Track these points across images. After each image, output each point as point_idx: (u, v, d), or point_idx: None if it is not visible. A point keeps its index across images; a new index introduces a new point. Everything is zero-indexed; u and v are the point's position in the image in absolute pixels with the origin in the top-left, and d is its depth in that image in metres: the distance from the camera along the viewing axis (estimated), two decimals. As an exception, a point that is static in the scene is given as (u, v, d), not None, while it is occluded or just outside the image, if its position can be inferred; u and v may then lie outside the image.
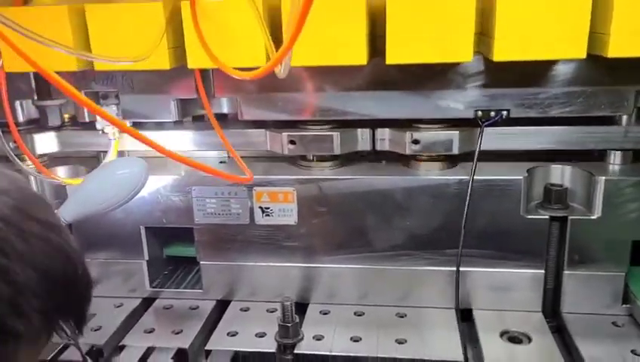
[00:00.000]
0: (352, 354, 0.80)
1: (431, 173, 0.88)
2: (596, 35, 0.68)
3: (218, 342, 0.84)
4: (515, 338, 0.83)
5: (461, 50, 0.69)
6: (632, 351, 0.77)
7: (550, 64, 0.81)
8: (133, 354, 0.82)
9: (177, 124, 0.95)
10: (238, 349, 0.82)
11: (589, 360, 0.76)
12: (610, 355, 0.77)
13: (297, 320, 0.83)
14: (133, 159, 0.80)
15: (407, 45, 0.70)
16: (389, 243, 0.90)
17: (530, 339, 0.82)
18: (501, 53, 0.69)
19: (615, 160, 0.87)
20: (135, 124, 0.94)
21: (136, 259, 0.96)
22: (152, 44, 0.72)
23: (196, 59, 0.74)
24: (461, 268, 0.87)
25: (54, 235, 0.45)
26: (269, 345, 0.83)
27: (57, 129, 0.96)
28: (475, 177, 0.84)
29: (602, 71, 0.79)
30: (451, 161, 0.90)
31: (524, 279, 0.88)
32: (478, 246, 0.87)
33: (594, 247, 0.84)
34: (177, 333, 0.87)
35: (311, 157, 0.93)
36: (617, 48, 0.66)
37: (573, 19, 0.66)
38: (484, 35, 0.74)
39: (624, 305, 0.86)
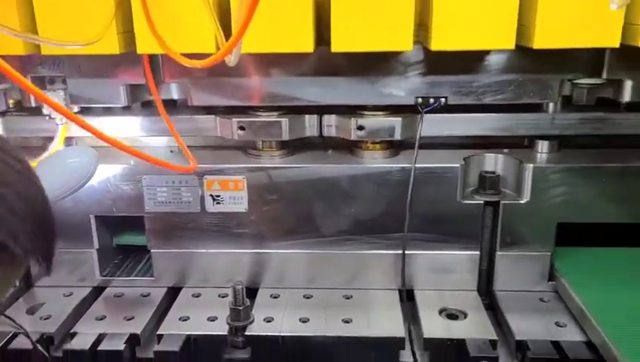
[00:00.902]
0: (300, 334, 0.84)
1: (375, 161, 0.93)
2: (524, 27, 0.74)
3: (170, 326, 0.86)
4: (452, 315, 0.89)
5: (402, 40, 0.74)
6: (556, 323, 0.85)
7: (484, 54, 0.87)
8: (84, 340, 0.82)
9: (127, 110, 0.96)
10: (189, 333, 0.84)
11: (517, 332, 0.83)
12: (536, 327, 0.84)
13: (248, 303, 0.86)
14: (84, 148, 0.81)
15: (351, 34, 0.74)
16: (336, 228, 0.94)
17: (465, 315, 0.88)
18: (438, 43, 0.74)
19: (543, 148, 0.95)
20: (83, 110, 0.94)
21: (86, 249, 0.96)
22: (101, 28, 0.72)
23: (145, 45, 0.75)
24: (398, 251, 0.92)
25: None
26: (220, 328, 0.85)
27: (2, 114, 0.95)
28: (416, 165, 0.89)
29: (530, 61, 0.86)
30: (394, 149, 0.95)
31: (461, 261, 0.94)
32: (419, 230, 0.93)
33: (523, 230, 0.91)
34: (129, 320, 0.88)
35: (260, 146, 0.96)
36: (542, 40, 0.73)
37: (503, 12, 0.72)
38: (423, 26, 0.79)
39: (550, 282, 0.93)
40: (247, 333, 0.84)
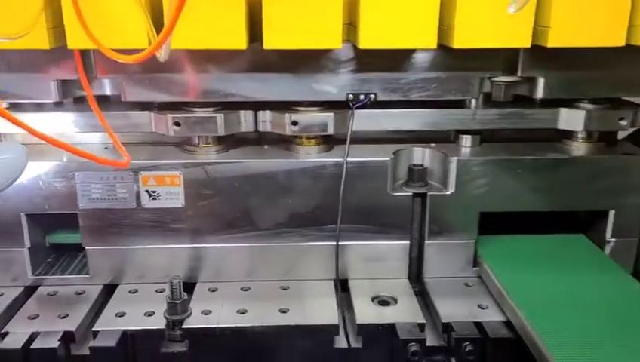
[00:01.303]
0: (238, 325, 0.86)
1: (310, 156, 0.96)
2: (445, 27, 0.79)
3: (105, 322, 0.86)
4: (384, 302, 0.93)
5: (331, 38, 0.77)
6: (479, 306, 0.91)
7: (410, 52, 0.92)
8: (16, 339, 0.81)
9: (58, 106, 0.95)
10: (126, 328, 0.84)
11: (443, 315, 0.88)
12: (461, 310, 0.89)
13: (186, 297, 0.87)
14: (12, 144, 0.79)
15: (282, 32, 0.77)
16: (272, 222, 0.96)
17: (396, 301, 0.93)
18: (366, 41, 0.78)
19: (466, 143, 1.01)
20: (13, 105, 0.92)
21: (17, 248, 0.94)
22: (29, 23, 0.72)
23: (76, 40, 0.75)
24: (339, 242, 0.96)
25: None
26: (158, 323, 0.86)
27: None
28: (348, 159, 0.93)
29: (453, 59, 0.91)
30: (328, 144, 0.98)
31: (392, 250, 0.99)
32: (353, 221, 0.96)
33: (449, 219, 0.97)
34: (63, 318, 0.87)
35: (197, 142, 0.97)
36: (461, 40, 0.78)
37: (426, 14, 0.77)
38: (353, 25, 0.83)
39: (474, 268, 0.99)
40: (184, 326, 0.85)
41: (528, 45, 0.78)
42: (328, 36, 0.77)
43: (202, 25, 0.75)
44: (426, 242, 0.98)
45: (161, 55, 0.65)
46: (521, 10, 0.64)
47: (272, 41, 0.77)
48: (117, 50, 0.72)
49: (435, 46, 0.78)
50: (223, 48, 0.76)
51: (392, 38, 0.77)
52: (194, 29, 0.74)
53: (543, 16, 0.78)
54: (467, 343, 0.83)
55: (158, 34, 0.70)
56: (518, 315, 0.82)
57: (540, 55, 0.89)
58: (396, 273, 1.00)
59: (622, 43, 0.78)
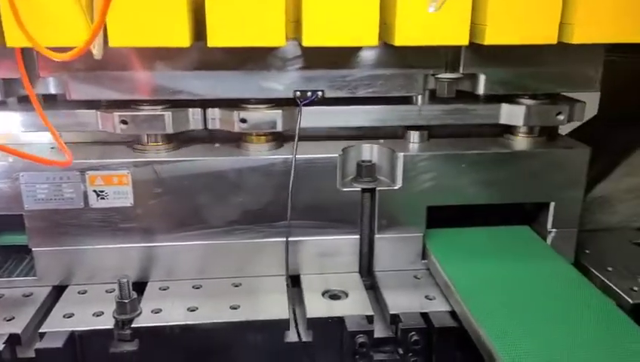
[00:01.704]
0: (187, 323, 0.86)
1: (260, 153, 0.97)
2: (387, 25, 0.81)
3: (53, 324, 0.85)
4: (334, 296, 0.95)
5: (274, 36, 0.78)
6: (426, 297, 0.93)
7: (356, 50, 0.93)
8: (-42, 344, 0.80)
9: (2, 105, 0.93)
10: (73, 329, 0.84)
11: (392, 306, 0.90)
12: (408, 301, 0.92)
13: (135, 296, 0.87)
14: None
15: (226, 29, 0.77)
16: (224, 219, 0.97)
17: (347, 295, 0.94)
18: (308, 39, 0.79)
19: (414, 138, 1.03)
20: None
21: (-40, 251, 0.93)
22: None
23: (14, 38, 0.74)
24: (290, 238, 0.97)
25: None
26: (106, 323, 0.86)
27: None
28: (297, 156, 0.94)
29: (398, 57, 0.94)
30: (278, 141, 0.99)
31: (343, 245, 1.00)
32: (304, 217, 0.98)
33: (398, 214, 0.99)
34: (9, 320, 0.86)
35: (146, 141, 0.96)
36: (402, 37, 0.80)
37: (367, 12, 0.78)
38: (299, 22, 0.84)
39: (423, 261, 1.02)
40: (133, 325, 0.85)
41: (466, 43, 0.81)
42: (272, 34, 0.78)
43: (143, 22, 0.75)
44: (376, 236, 1.00)
45: (96, 52, 0.64)
46: (440, 9, 0.66)
47: (215, 39, 0.77)
48: (58, 48, 0.71)
49: (376, 43, 0.80)
50: (165, 46, 0.76)
51: (334, 36, 0.79)
52: (135, 26, 0.74)
53: (479, 14, 0.81)
54: (413, 333, 0.85)
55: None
56: (461, 305, 0.85)
57: (481, 52, 0.92)
58: (348, 267, 1.01)
59: (554, 41, 0.82)
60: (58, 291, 0.95)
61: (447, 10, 0.78)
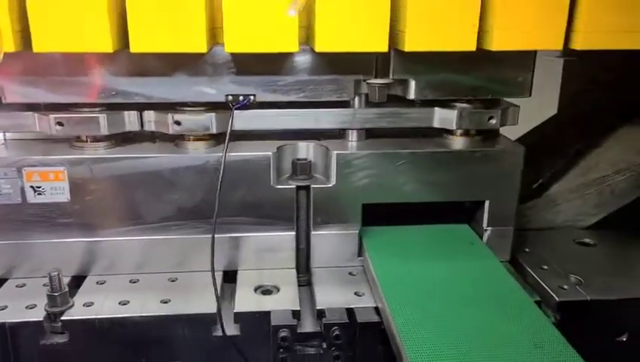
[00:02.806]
0: (116, 316, 0.88)
1: (196, 152, 0.99)
2: (308, 31, 0.83)
3: (-16, 316, 0.88)
4: (266, 291, 0.96)
5: (195, 42, 0.80)
6: (355, 293, 0.95)
7: (287, 56, 0.95)
8: None
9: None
10: (3, 321, 0.86)
11: (319, 302, 0.92)
12: (337, 297, 0.93)
13: (66, 289, 0.89)
14: None
15: (148, 35, 0.79)
16: (160, 215, 0.99)
17: (278, 290, 0.96)
18: (230, 45, 0.81)
19: (352, 137, 1.04)
20: None
21: None
22: None
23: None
24: (227, 234, 0.99)
25: None
26: (37, 315, 0.88)
27: None
28: (231, 154, 0.96)
29: (327, 63, 0.95)
30: (215, 140, 1.01)
31: (281, 241, 1.02)
32: (241, 214, 1.00)
33: (333, 211, 1.01)
34: (-57, 313, 0.88)
35: (85, 139, 0.98)
36: (322, 44, 0.81)
37: (286, 18, 0.79)
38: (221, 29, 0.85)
39: (359, 258, 1.04)
40: (63, 318, 0.87)
41: (385, 50, 0.82)
42: (193, 40, 0.79)
43: (66, 27, 0.76)
44: (312, 233, 1.02)
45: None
46: (300, 11, 0.68)
47: (138, 44, 0.79)
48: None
49: (297, 50, 0.81)
50: (89, 51, 0.78)
51: (255, 42, 0.80)
52: (58, 31, 0.76)
53: (399, 21, 0.82)
54: (335, 328, 0.87)
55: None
56: (382, 300, 0.86)
57: (410, 58, 0.94)
58: (285, 263, 1.03)
59: (473, 47, 0.83)
60: (-2, 285, 0.98)
61: (366, 18, 0.80)
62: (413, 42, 0.82)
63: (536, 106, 1.55)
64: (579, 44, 0.84)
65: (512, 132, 1.38)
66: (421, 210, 1.08)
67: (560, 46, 0.84)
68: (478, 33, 0.83)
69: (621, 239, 1.17)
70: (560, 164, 1.34)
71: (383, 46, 0.82)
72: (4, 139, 1.02)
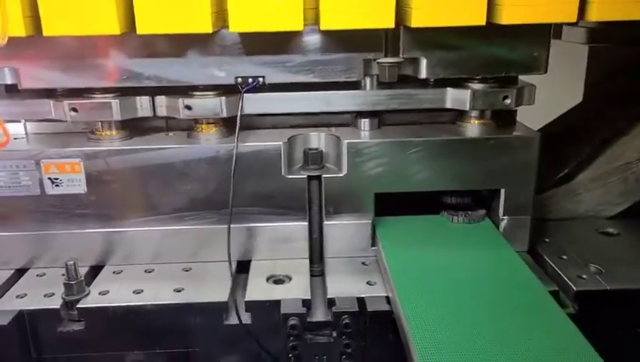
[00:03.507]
0: (129, 304, 0.89)
1: (208, 142, 1.00)
2: (312, 10, 0.83)
3: (4, 303, 0.90)
4: (278, 281, 0.97)
5: (200, 22, 0.80)
6: (367, 282, 0.94)
7: (293, 35, 0.94)
8: None
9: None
10: (22, 308, 0.88)
11: (331, 290, 0.92)
12: (349, 286, 0.93)
13: (82, 278, 0.91)
14: None
15: (154, 16, 0.80)
16: (174, 206, 1.00)
17: (290, 280, 0.96)
18: (235, 25, 0.81)
19: (365, 126, 1.04)
20: None
21: None
22: None
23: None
24: (240, 225, 1.00)
25: None
26: (54, 303, 0.90)
27: None
28: (243, 144, 0.96)
29: (335, 42, 0.94)
30: (227, 130, 1.02)
31: (293, 231, 1.02)
32: (254, 204, 1.00)
33: (345, 201, 1.00)
34: (-35, 299, 0.91)
35: (100, 130, 1.00)
36: (328, 22, 0.81)
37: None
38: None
39: (373, 248, 1.03)
40: (80, 306, 0.89)
41: (392, 26, 0.81)
42: (198, 20, 0.80)
43: (74, 10, 0.78)
44: (325, 223, 1.01)
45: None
46: None
47: (144, 25, 0.80)
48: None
49: (301, 28, 0.81)
50: (95, 34, 0.80)
51: (260, 21, 0.80)
52: (66, 14, 0.78)
53: (407, -5, 0.81)
54: (345, 316, 0.86)
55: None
56: (393, 290, 0.85)
57: (420, 35, 0.92)
58: (298, 253, 1.03)
59: (482, 22, 0.81)
60: (20, 274, 1.00)
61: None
62: (421, 18, 0.81)
63: (562, 94, 1.52)
64: (594, 15, 0.81)
65: (536, 120, 1.36)
66: (437, 199, 1.07)
67: (574, 18, 0.81)
68: (488, 6, 0.81)
69: (647, 228, 1.14)
70: (585, 153, 1.30)
71: (389, 22, 0.81)
72: (25, 133, 1.05)
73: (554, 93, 1.60)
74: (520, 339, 0.72)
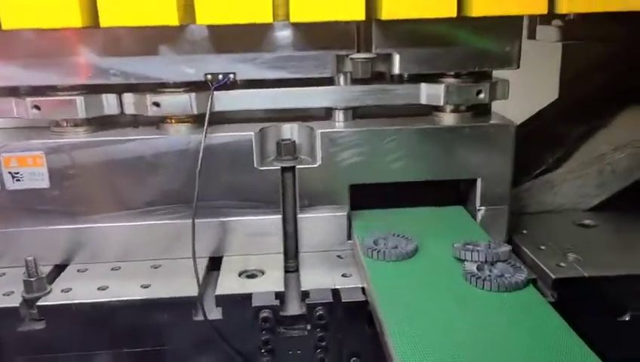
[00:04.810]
0: (93, 301, 0.85)
1: (178, 134, 0.97)
2: (282, 2, 0.81)
3: (-41, 303, 0.86)
4: (251, 275, 0.93)
5: (166, 13, 0.78)
6: (343, 275, 0.91)
7: (265, 30, 0.92)
8: None
9: None
10: (-23, 307, 0.84)
11: (305, 282, 0.89)
12: (324, 279, 0.90)
13: (43, 275, 0.87)
14: None
15: (117, 9, 0.78)
16: (142, 201, 0.96)
17: (263, 274, 0.93)
18: (202, 17, 0.79)
19: (339, 118, 1.02)
20: None
21: None
22: None
23: None
24: (212, 219, 0.97)
25: None
26: (14, 301, 0.86)
27: None
28: (213, 135, 0.94)
29: (307, 38, 0.92)
30: (198, 123, 0.99)
31: (267, 225, 0.99)
32: (224, 198, 0.97)
33: (319, 192, 0.98)
34: None
35: (64, 124, 0.97)
36: (297, 13, 0.79)
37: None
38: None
39: (349, 241, 1.00)
40: (40, 303, 0.85)
41: (362, 18, 0.80)
42: (163, 12, 0.78)
43: (35, 3, 0.76)
44: (299, 216, 0.99)
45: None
46: None
47: (108, 18, 0.78)
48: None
49: (270, 20, 0.79)
50: (56, 27, 0.77)
51: (228, 13, 0.78)
52: (27, 7, 0.75)
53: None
54: (320, 308, 0.83)
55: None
56: (367, 280, 0.83)
57: (393, 31, 0.91)
58: (272, 248, 1.00)
59: (453, 14, 0.80)
60: (-21, 274, 0.96)
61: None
62: (392, 10, 0.79)
63: (537, 91, 1.52)
64: (564, 7, 0.81)
65: (512, 117, 1.35)
66: (416, 193, 1.05)
67: (544, 10, 0.81)
68: (459, -1, 0.80)
69: (624, 220, 1.13)
70: (562, 151, 1.30)
71: (359, 14, 0.79)
72: (-14, 129, 1.01)
73: (531, 90, 1.61)
74: (492, 319, 0.71)
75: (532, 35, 1.62)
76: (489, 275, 0.79)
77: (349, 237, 1.00)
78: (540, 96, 1.50)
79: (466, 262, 0.83)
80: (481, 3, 0.80)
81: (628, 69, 1.34)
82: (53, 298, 0.86)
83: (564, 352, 0.65)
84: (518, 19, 0.94)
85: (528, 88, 1.62)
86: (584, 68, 1.43)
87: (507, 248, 0.85)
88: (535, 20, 1.61)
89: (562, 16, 1.46)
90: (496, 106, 1.05)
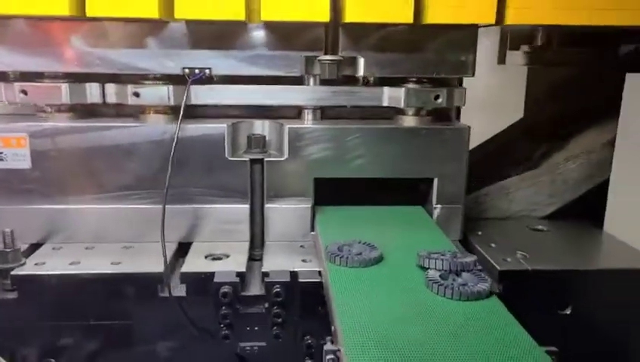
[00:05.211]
0: (64, 272, 0.90)
1: (155, 124, 1.03)
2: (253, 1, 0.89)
3: (-64, 271, 0.90)
4: (217, 258, 0.99)
5: (147, 7, 0.85)
6: (302, 260, 0.97)
7: (239, 29, 0.99)
8: None
9: None
10: (-47, 275, 0.88)
11: (266, 265, 0.94)
12: (284, 263, 0.95)
13: (19, 247, 0.92)
14: None
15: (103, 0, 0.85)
16: (118, 185, 1.02)
17: (228, 257, 0.98)
18: (180, 12, 0.86)
19: (308, 117, 1.09)
20: None
21: None
22: None
23: None
24: (182, 205, 1.03)
25: None
26: (-12, 272, 0.90)
27: None
28: (188, 126, 1.00)
29: (278, 38, 1.00)
30: (175, 115, 1.05)
31: (236, 214, 1.05)
32: (196, 185, 1.03)
33: (286, 185, 1.04)
34: None
35: (49, 110, 1.03)
36: (268, 13, 0.87)
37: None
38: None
39: (312, 233, 1.06)
40: (12, 273, 0.89)
41: (327, 19, 0.88)
42: (144, 5, 0.85)
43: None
44: (266, 206, 1.05)
45: None
46: None
47: (94, 8, 0.85)
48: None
49: (243, 17, 0.87)
50: (44, 14, 0.84)
51: (204, 9, 0.86)
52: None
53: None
54: (277, 286, 0.89)
55: None
56: (323, 263, 0.88)
57: (358, 35, 0.99)
58: (239, 237, 1.05)
59: (410, 20, 0.88)
60: (-42, 249, 1.00)
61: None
62: (353, 13, 0.87)
63: (505, 110, 1.61)
64: (510, 19, 0.89)
65: (481, 133, 1.44)
66: (381, 193, 1.11)
67: (492, 20, 0.89)
68: (417, 7, 0.88)
69: (577, 227, 1.20)
70: (524, 166, 1.38)
71: (324, 16, 0.87)
72: (-25, 113, 1.07)
73: (499, 109, 1.70)
74: (447, 322, 0.71)
75: (502, 60, 1.71)
76: (452, 283, 0.78)
77: (312, 228, 1.06)
78: (506, 114, 1.58)
79: (429, 270, 0.82)
80: (435, 11, 0.88)
81: (585, 93, 1.43)
82: (27, 269, 0.91)
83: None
84: (473, 28, 1.02)
85: (497, 107, 1.71)
86: (547, 90, 1.53)
87: (472, 258, 0.84)
88: (505, 46, 1.71)
89: (530, 43, 1.55)
90: (467, 122, 1.12)
